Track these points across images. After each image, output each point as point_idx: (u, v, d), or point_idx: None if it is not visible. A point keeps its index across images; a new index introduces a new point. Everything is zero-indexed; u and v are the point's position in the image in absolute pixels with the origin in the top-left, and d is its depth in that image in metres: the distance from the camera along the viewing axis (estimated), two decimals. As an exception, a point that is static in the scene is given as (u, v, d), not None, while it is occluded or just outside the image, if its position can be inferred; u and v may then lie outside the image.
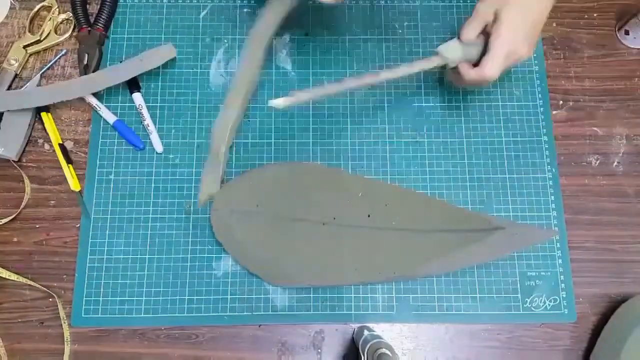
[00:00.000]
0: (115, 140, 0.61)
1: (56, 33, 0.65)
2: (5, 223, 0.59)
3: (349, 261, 0.56)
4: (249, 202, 0.57)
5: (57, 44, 0.65)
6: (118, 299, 0.57)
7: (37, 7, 0.66)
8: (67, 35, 0.65)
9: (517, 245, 0.56)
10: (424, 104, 0.63)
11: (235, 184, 0.58)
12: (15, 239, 0.59)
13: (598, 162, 0.63)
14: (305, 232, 0.56)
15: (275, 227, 0.56)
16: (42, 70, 0.64)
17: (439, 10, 0.67)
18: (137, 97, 0.62)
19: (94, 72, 0.62)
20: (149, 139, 0.61)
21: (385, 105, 0.63)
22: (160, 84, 0.63)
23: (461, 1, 0.67)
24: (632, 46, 0.66)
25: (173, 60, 0.63)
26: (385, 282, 0.57)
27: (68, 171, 0.60)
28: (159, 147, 0.61)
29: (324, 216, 0.57)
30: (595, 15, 0.68)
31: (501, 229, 0.55)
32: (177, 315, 0.56)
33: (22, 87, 0.63)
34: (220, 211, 0.56)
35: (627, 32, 0.65)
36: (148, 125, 0.61)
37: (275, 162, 0.61)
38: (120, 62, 0.63)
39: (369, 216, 0.57)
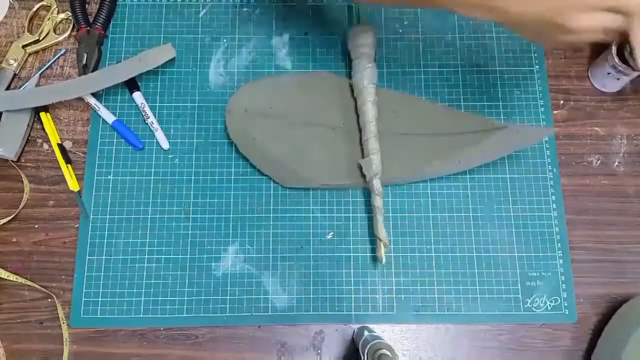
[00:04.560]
0: (115, 140, 0.61)
1: (55, 33, 0.65)
2: (4, 223, 0.59)
3: (356, 164, 0.58)
4: (263, 104, 0.59)
5: (56, 44, 0.65)
6: (117, 299, 0.56)
7: (36, 6, 0.65)
8: (66, 34, 0.65)
9: (518, 144, 0.58)
10: (424, 104, 0.63)
11: (250, 87, 0.60)
12: (14, 239, 0.59)
13: (599, 162, 0.62)
14: (316, 136, 0.59)
15: (287, 129, 0.59)
16: (41, 70, 0.64)
17: (438, 10, 0.67)
18: (138, 96, 0.62)
19: (93, 71, 0.62)
20: (153, 137, 0.61)
21: (385, 105, 0.63)
22: (159, 84, 0.63)
23: (461, 0, 0.67)
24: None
25: (172, 60, 0.62)
26: (390, 184, 0.59)
27: (67, 171, 0.59)
28: (165, 144, 0.61)
29: (333, 121, 0.60)
30: (596, 14, 0.67)
31: (503, 127, 0.57)
32: (176, 315, 0.56)
33: (21, 86, 0.63)
34: (235, 112, 0.58)
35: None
36: (152, 123, 0.61)
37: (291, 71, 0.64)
38: (119, 62, 0.63)
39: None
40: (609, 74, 0.61)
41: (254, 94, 0.59)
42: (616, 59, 0.58)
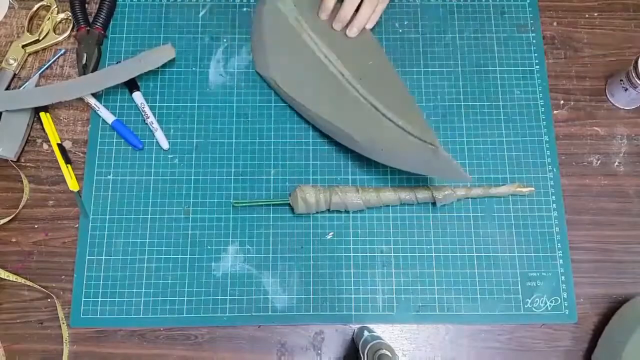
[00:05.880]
0: (114, 140, 0.61)
1: (55, 32, 0.65)
2: (4, 223, 0.59)
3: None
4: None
5: (56, 44, 0.65)
6: (117, 299, 0.56)
7: (36, 6, 0.65)
8: (66, 34, 0.65)
9: (437, 170, 0.55)
10: (424, 104, 0.63)
11: None
12: (13, 239, 0.59)
13: (599, 162, 0.62)
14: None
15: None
16: (41, 70, 0.64)
17: (439, 9, 0.67)
18: (138, 96, 0.62)
19: (92, 71, 0.62)
20: (153, 137, 0.61)
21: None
22: (159, 83, 0.63)
23: (461, 0, 0.67)
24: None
25: (172, 60, 0.62)
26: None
27: (67, 171, 0.59)
28: (165, 144, 0.61)
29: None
30: (595, 14, 0.68)
31: (435, 148, 0.54)
32: (176, 315, 0.56)
33: (20, 86, 0.63)
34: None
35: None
36: (152, 123, 0.61)
37: None
38: (119, 62, 0.63)
39: (360, 79, 0.59)
40: (620, 80, 0.61)
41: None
42: (632, 72, 0.59)
